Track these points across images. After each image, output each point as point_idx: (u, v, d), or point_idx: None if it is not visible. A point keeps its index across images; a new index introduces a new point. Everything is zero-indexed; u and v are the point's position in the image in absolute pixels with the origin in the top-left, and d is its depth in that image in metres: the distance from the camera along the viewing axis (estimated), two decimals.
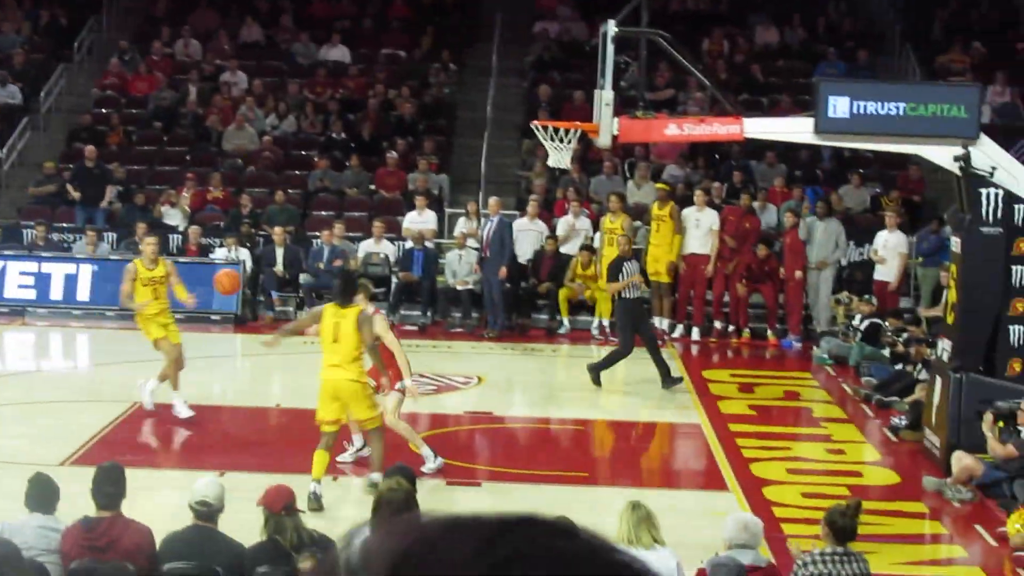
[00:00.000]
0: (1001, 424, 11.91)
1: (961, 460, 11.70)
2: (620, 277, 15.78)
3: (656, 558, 7.59)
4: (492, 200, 19.61)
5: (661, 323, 19.11)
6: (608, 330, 18.98)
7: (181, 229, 21.21)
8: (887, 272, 19.04)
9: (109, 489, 7.92)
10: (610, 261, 16.60)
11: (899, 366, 16.22)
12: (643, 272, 19.37)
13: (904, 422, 13.99)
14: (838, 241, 19.22)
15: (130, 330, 16.07)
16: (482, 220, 20.16)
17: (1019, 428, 11.83)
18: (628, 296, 15.86)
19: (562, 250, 19.91)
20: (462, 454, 13.06)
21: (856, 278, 19.90)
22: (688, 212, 19.48)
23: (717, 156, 23.72)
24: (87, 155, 22.22)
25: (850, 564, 7.83)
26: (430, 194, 21.84)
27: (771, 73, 26.16)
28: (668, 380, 15.46)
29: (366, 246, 20.41)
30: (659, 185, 19.71)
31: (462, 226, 20.36)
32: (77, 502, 8.13)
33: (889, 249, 19.02)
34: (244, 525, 8.27)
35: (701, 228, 19.30)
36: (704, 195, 19.69)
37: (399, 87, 25.47)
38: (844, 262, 20.05)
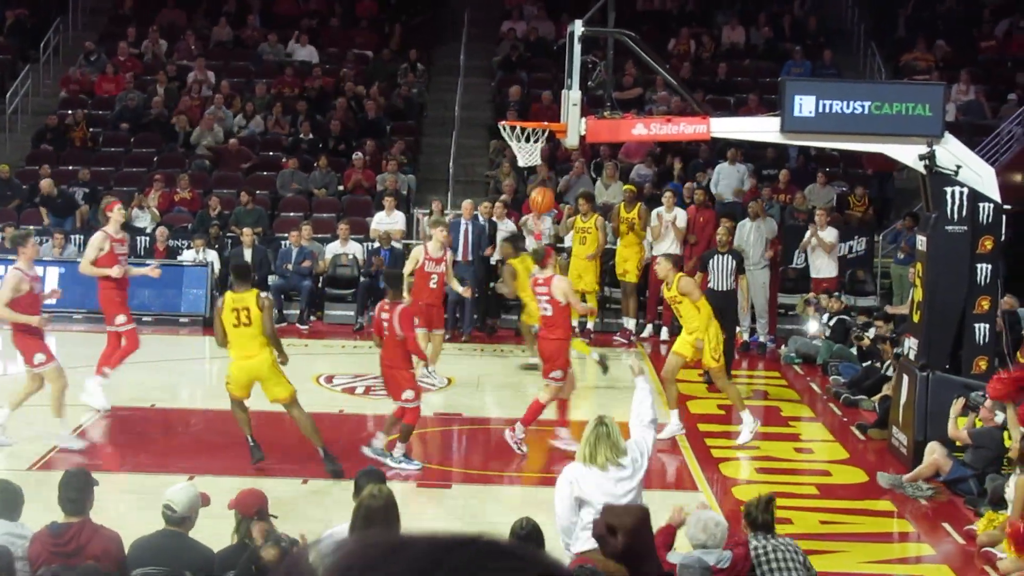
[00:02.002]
0: (964, 419, 11.99)
1: (932, 453, 11.77)
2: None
3: (609, 478, 7.83)
4: (466, 203, 19.39)
5: (628, 323, 19.15)
6: (578, 329, 19.00)
7: (149, 231, 21.10)
8: (824, 268, 19.21)
9: (74, 495, 7.86)
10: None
11: (867, 363, 16.29)
12: (612, 272, 19.45)
13: (876, 411, 14.07)
14: (770, 241, 19.15)
15: (99, 333, 15.97)
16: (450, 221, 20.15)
17: (980, 421, 11.92)
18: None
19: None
20: (432, 456, 13.03)
21: (789, 275, 19.96)
22: (657, 212, 19.50)
23: (678, 159, 23.76)
24: (43, 189, 21.94)
25: (776, 551, 7.95)
26: (398, 194, 21.78)
27: (737, 72, 26.24)
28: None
29: (333, 248, 20.35)
30: (626, 187, 19.70)
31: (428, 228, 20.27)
32: (49, 506, 8.07)
33: (822, 244, 19.20)
34: (215, 529, 8.22)
35: (671, 231, 19.30)
36: (673, 195, 19.70)
37: (367, 86, 25.41)
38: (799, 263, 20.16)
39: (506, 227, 20.07)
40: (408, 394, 12.03)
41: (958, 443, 11.84)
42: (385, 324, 11.90)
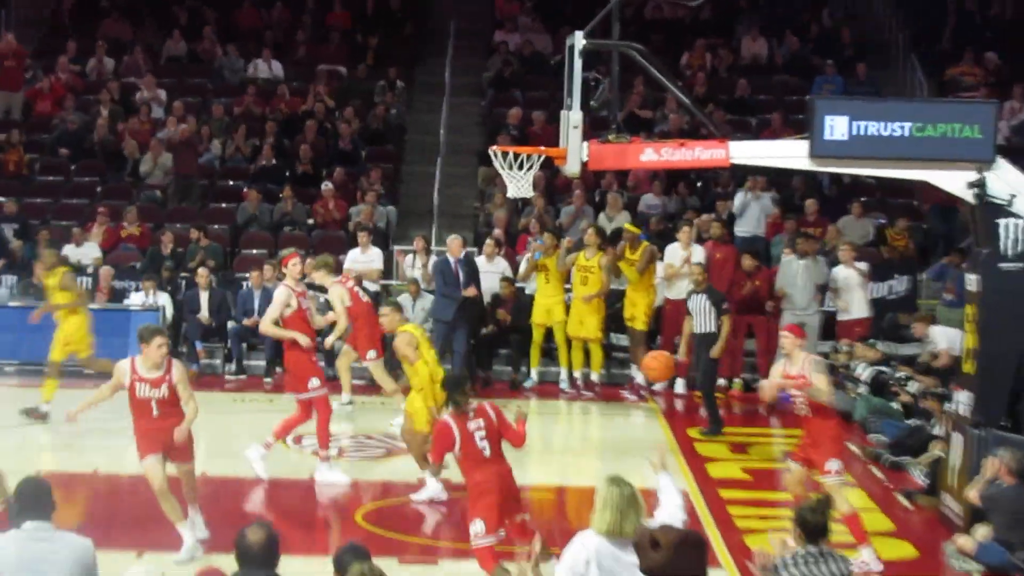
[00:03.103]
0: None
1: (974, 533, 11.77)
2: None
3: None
4: (453, 240, 19.27)
5: (638, 375, 19.12)
6: (580, 382, 19.03)
7: (91, 270, 21.03)
8: (855, 306, 19.23)
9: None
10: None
11: (911, 421, 16.23)
12: (620, 317, 19.43)
13: (922, 478, 14.01)
14: (817, 283, 19.24)
15: (32, 387, 15.90)
16: (431, 259, 20.16)
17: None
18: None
19: (528, 290, 19.95)
20: (416, 527, 12.94)
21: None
22: (672, 251, 19.48)
23: (699, 184, 23.83)
24: None
25: (827, 563, 7.91)
26: (376, 229, 21.77)
27: (760, 89, 26.30)
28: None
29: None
30: (628, 227, 19.65)
31: (410, 267, 20.29)
32: None
33: (850, 285, 19.21)
34: None
35: (686, 268, 19.22)
36: (689, 230, 19.66)
37: (340, 107, 25.42)
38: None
39: (497, 267, 20.04)
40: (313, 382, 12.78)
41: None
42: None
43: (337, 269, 20.80)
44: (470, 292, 18.71)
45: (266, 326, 14.24)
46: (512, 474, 10.69)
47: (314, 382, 13.96)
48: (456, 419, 10.51)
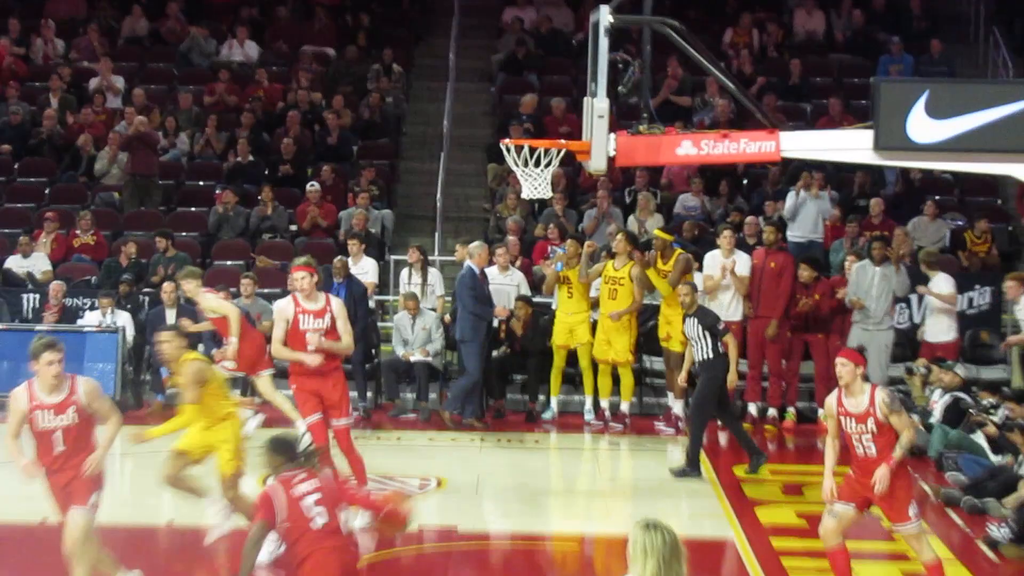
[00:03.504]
0: None
1: None
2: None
3: None
4: (479, 248, 19.20)
5: (675, 405, 19.10)
6: (607, 412, 19.04)
7: (39, 285, 21.07)
8: (939, 329, 19.21)
9: None
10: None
11: (996, 457, 16.14)
12: (653, 336, 19.41)
13: (1006, 533, 13.90)
14: (896, 295, 19.25)
15: None
16: (431, 271, 20.24)
17: None
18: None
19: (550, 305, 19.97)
20: None
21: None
22: (712, 259, 19.43)
23: (745, 181, 23.86)
24: None
25: None
26: (369, 236, 21.76)
27: (816, 71, 26.33)
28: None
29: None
30: (658, 233, 19.49)
31: (406, 281, 20.24)
32: None
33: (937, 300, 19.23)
34: None
35: (728, 280, 19.26)
36: (731, 234, 19.62)
37: (327, 96, 25.47)
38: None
39: (511, 280, 19.98)
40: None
41: None
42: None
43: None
44: (501, 312, 18.73)
45: (277, 349, 14.06)
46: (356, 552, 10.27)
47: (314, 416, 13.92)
48: (283, 483, 9.65)
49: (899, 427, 11.43)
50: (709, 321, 16.72)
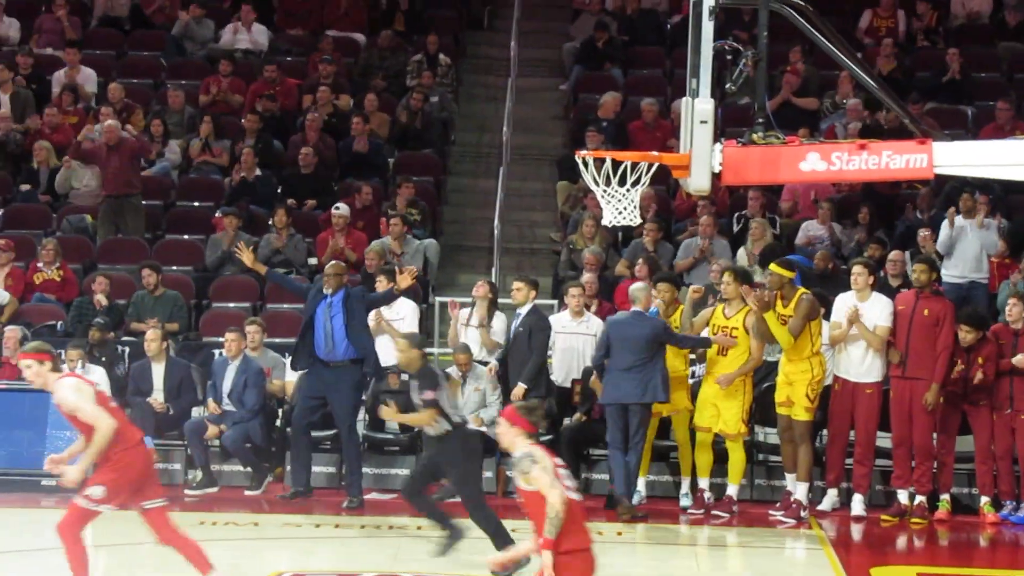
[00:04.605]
0: None
1: None
2: None
3: None
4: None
5: (798, 489, 19.08)
6: (709, 497, 19.04)
7: None
8: None
9: None
10: None
11: None
12: (768, 401, 19.52)
13: None
14: None
15: None
16: (496, 316, 20.43)
17: None
18: None
19: None
20: None
21: None
22: (843, 302, 19.36)
23: (889, 205, 23.78)
24: None
25: None
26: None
27: (980, 65, 26.32)
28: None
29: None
30: (776, 268, 19.30)
31: (462, 325, 20.34)
32: None
33: None
34: None
35: (855, 331, 19.15)
36: (865, 272, 19.50)
37: (356, 93, 25.69)
38: None
39: (587, 327, 20.07)
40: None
41: None
42: None
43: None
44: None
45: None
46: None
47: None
48: None
49: None
50: None
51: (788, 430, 19.14)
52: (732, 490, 19.28)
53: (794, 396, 18.94)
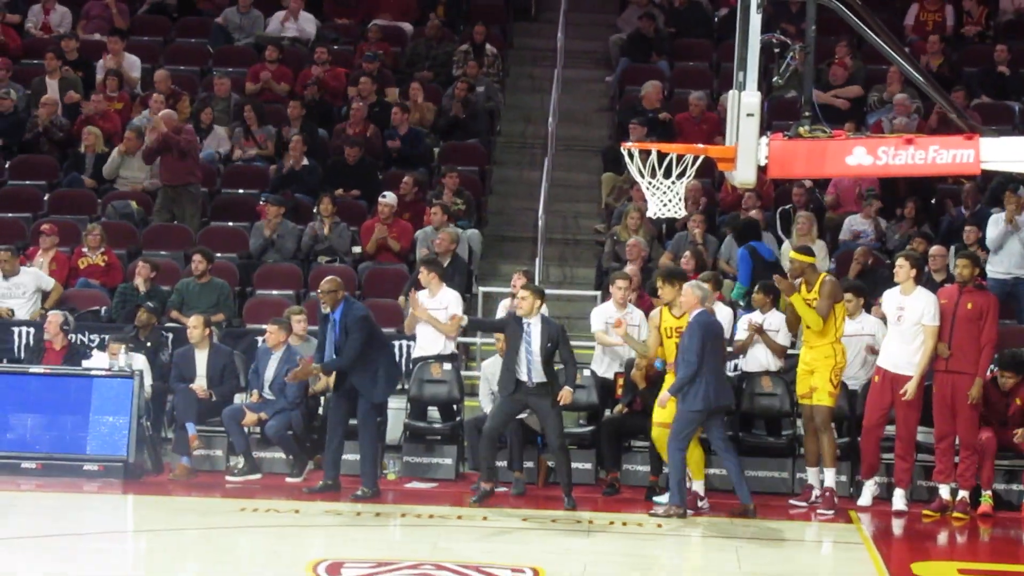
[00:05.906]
0: None
1: None
2: None
3: None
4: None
5: (827, 476, 19.10)
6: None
7: (28, 316, 21.44)
8: None
9: None
10: None
11: None
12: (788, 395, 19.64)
13: None
14: None
15: None
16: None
17: None
18: None
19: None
20: None
21: None
22: (890, 298, 19.34)
23: (934, 200, 23.77)
24: None
25: None
26: (456, 260, 22.09)
27: None
28: None
29: None
30: (796, 255, 19.26)
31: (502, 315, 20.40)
32: None
33: None
34: None
35: (904, 324, 19.12)
36: (908, 264, 19.46)
37: (402, 83, 25.75)
38: None
39: (632, 318, 20.12)
40: None
41: None
42: None
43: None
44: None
45: None
46: None
47: None
48: None
49: None
50: None
51: (811, 421, 19.20)
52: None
53: (816, 382, 18.99)
